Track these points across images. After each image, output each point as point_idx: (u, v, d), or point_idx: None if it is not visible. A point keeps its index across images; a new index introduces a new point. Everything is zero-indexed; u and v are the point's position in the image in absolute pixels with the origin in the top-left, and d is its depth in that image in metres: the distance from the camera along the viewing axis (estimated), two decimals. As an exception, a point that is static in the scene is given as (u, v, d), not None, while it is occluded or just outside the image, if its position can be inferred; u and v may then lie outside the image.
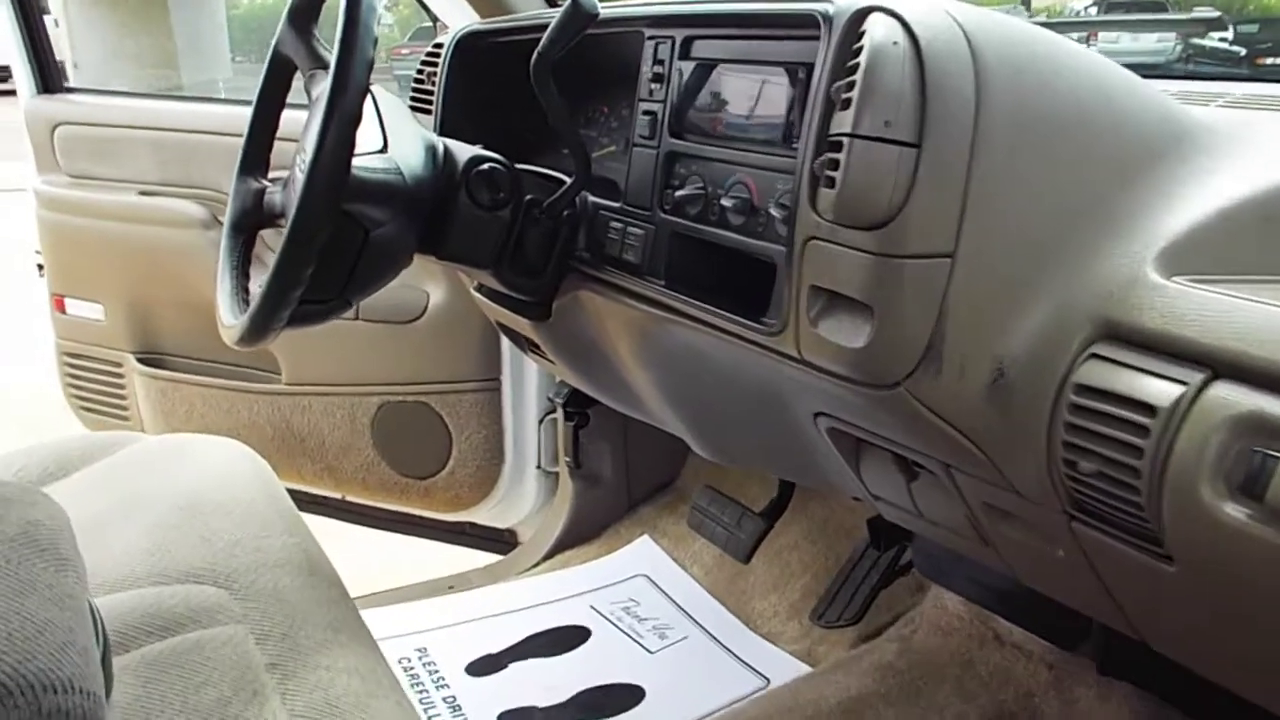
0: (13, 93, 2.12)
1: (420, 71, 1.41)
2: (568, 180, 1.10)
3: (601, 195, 1.10)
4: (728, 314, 0.88)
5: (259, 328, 0.99)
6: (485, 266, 1.08)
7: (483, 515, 1.94)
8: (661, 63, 0.99)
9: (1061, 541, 0.75)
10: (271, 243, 1.33)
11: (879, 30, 0.70)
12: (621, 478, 1.83)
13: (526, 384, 1.85)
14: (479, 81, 1.36)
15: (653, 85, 1.00)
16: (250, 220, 1.19)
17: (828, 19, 0.76)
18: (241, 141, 1.92)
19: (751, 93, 0.90)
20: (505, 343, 1.80)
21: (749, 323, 0.86)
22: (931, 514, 0.93)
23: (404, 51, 15.54)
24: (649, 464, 1.86)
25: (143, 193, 2.00)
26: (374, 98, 1.13)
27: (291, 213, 0.91)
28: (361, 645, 0.90)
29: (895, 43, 0.69)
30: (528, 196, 1.07)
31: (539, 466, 1.89)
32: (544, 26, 1.32)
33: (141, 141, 2.00)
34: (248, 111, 1.99)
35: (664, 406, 1.13)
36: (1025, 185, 0.71)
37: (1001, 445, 0.73)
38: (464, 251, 1.07)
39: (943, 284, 0.70)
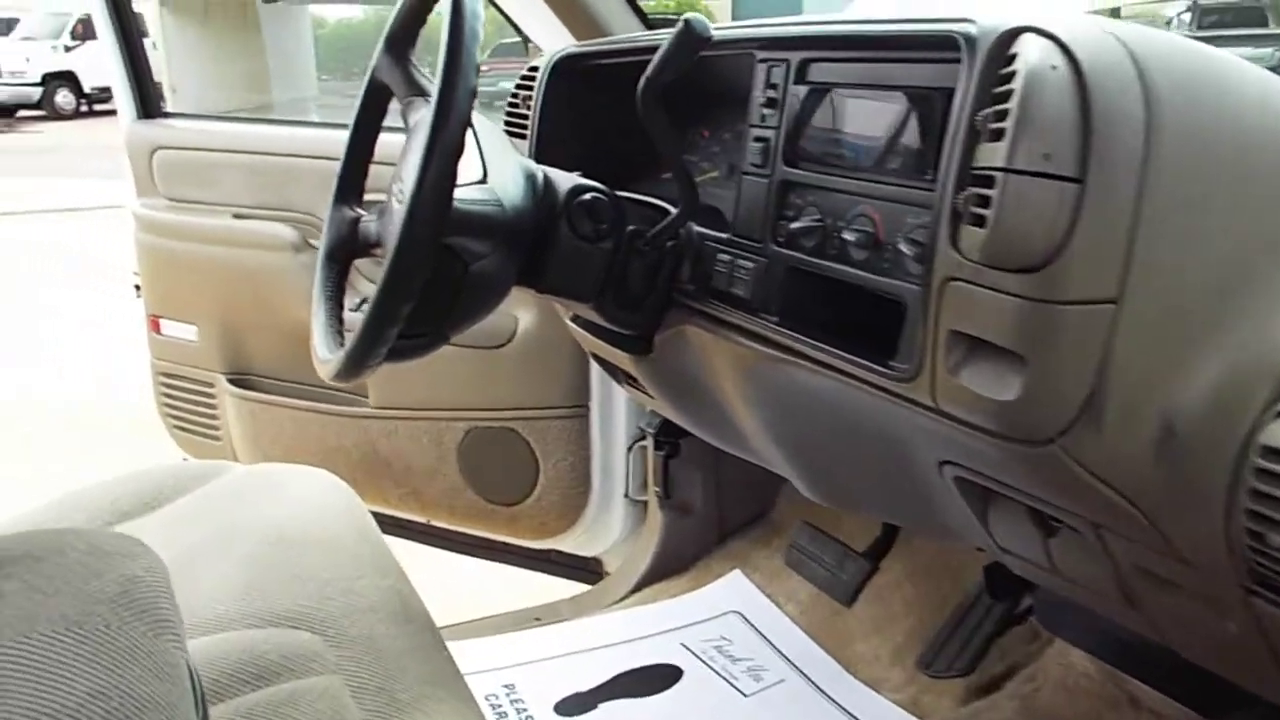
0: (110, 113, 2.16)
1: (514, 95, 1.38)
2: (672, 209, 1.06)
3: (705, 224, 1.06)
4: (850, 356, 0.83)
5: (356, 364, 0.96)
6: (586, 300, 1.04)
7: (568, 543, 1.90)
8: (775, 87, 0.94)
9: (1234, 616, 0.67)
10: (366, 271, 1.31)
11: (1033, 53, 0.64)
12: (712, 509, 1.77)
13: (615, 411, 1.81)
14: (576, 105, 1.33)
15: (765, 110, 0.95)
16: (345, 249, 1.17)
17: (970, 41, 0.70)
18: (334, 165, 1.95)
19: (876, 119, 0.84)
20: (595, 369, 1.77)
21: (875, 366, 0.80)
22: (1070, 572, 0.85)
23: (484, 68, 15.83)
24: (741, 495, 1.80)
25: (237, 216, 2.01)
26: (472, 125, 1.10)
27: (391, 247, 0.88)
28: (459, 700, 0.86)
29: (1054, 66, 0.62)
30: (630, 227, 1.03)
31: (626, 495, 1.84)
32: (646, 49, 1.28)
33: (237, 165, 2.02)
34: (341, 135, 2.01)
35: (770, 446, 1.07)
36: (1199, 220, 0.64)
37: (1168, 509, 0.66)
38: (565, 284, 1.03)
39: (1105, 332, 0.63)
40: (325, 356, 1.04)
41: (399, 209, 1.04)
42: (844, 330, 0.87)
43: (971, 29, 0.70)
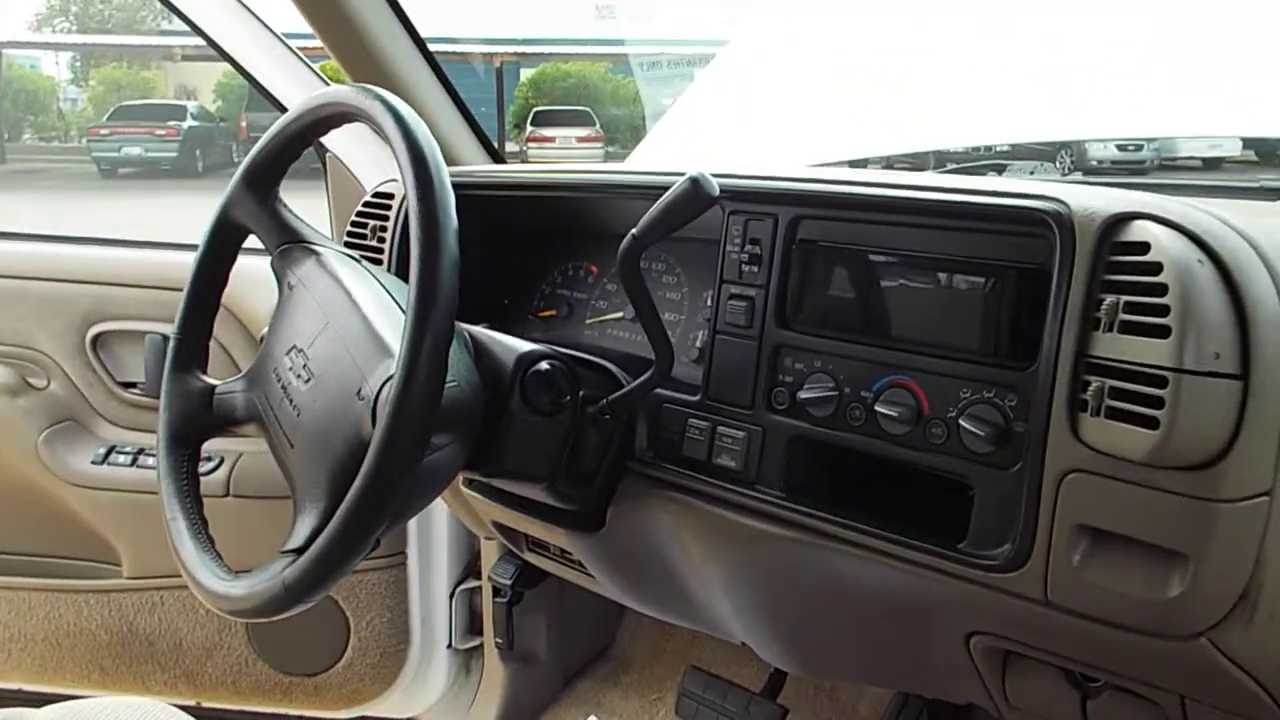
0: None
1: (360, 224, 1.20)
2: (611, 368, 0.95)
3: (628, 371, 0.96)
4: (901, 538, 0.77)
5: (296, 599, 0.76)
6: (541, 481, 0.89)
7: (382, 707, 1.67)
8: (757, 242, 0.87)
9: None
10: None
11: (1171, 245, 0.62)
12: (556, 653, 1.63)
13: (435, 556, 1.62)
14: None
15: (746, 267, 0.87)
16: (195, 428, 0.95)
17: (1064, 222, 0.67)
18: (55, 286, 1.61)
19: (902, 284, 0.80)
20: (414, 511, 1.57)
21: (941, 551, 0.74)
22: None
23: (103, 132, 14.35)
24: (582, 634, 1.67)
25: (-83, 352, 1.60)
26: (375, 276, 0.93)
27: (373, 457, 0.70)
28: None
29: (1200, 261, 0.61)
30: (580, 393, 0.91)
31: (450, 645, 1.66)
32: (513, 185, 1.17)
33: (-87, 287, 1.61)
34: (64, 250, 1.67)
35: (739, 619, 0.98)
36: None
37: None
38: (520, 466, 0.88)
39: (1262, 525, 0.62)
40: (222, 589, 0.81)
41: (304, 388, 0.85)
42: (862, 504, 0.81)
43: (1061, 209, 0.67)
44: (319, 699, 1.65)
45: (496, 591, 1.50)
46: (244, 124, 13.86)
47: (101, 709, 1.01)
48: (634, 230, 0.82)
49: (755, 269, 0.87)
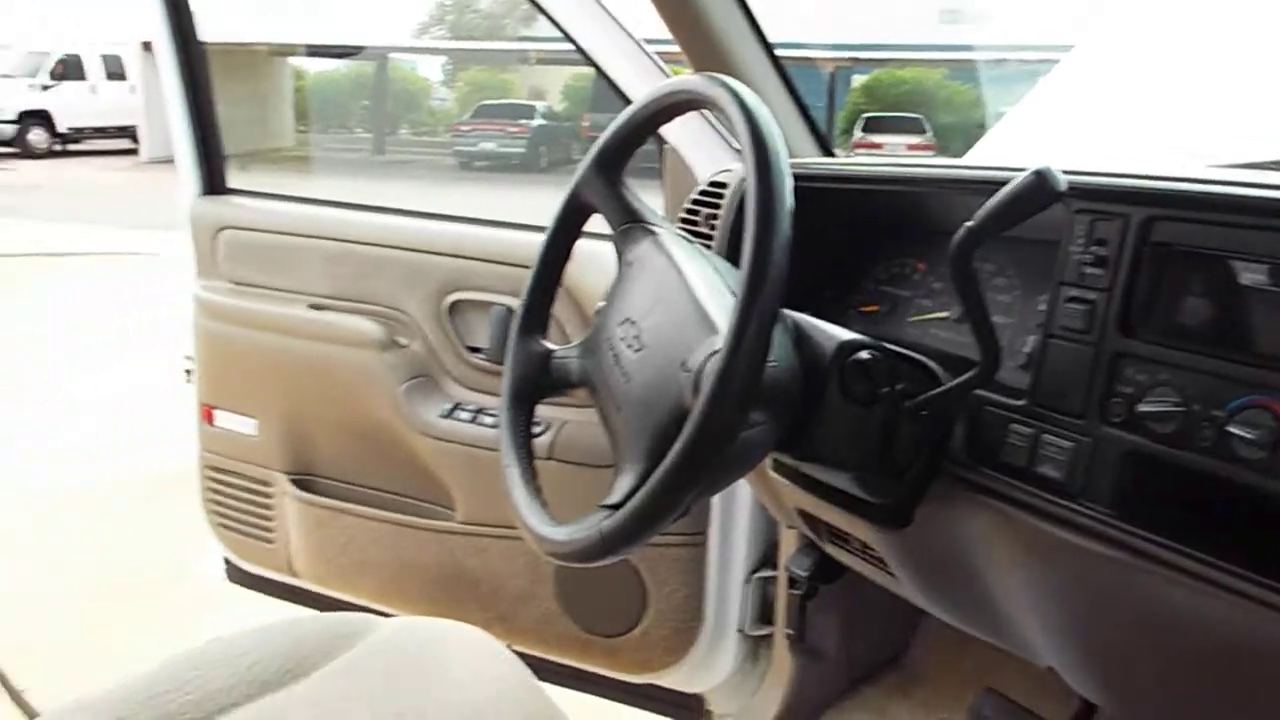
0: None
1: (693, 210, 1.26)
2: (931, 364, 0.93)
3: (949, 371, 0.93)
4: (1259, 578, 0.70)
5: (608, 548, 0.81)
6: (851, 470, 0.90)
7: (670, 678, 1.74)
8: (1103, 243, 0.82)
9: None
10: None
11: None
12: (845, 653, 1.62)
13: (735, 540, 1.66)
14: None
15: (1089, 269, 0.82)
16: (534, 387, 1.04)
17: None
18: (423, 258, 1.80)
19: (1273, 297, 0.72)
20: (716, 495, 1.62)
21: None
22: None
23: (464, 128, 15.86)
24: (873, 638, 1.65)
25: (313, 306, 1.86)
26: (704, 254, 0.97)
27: (693, 424, 0.74)
28: None
29: None
30: (898, 386, 0.90)
31: (740, 630, 1.69)
32: (845, 178, 1.17)
33: (313, 251, 1.87)
34: (431, 225, 1.87)
35: (1051, 641, 0.93)
36: None
37: None
38: (830, 452, 0.89)
39: None
40: (547, 533, 0.89)
41: (634, 357, 0.91)
42: (1203, 532, 0.75)
43: None
44: (613, 660, 1.74)
45: (792, 583, 1.52)
46: (586, 124, 14.76)
47: (441, 628, 1.14)
48: (969, 222, 0.80)
49: (1099, 271, 0.82)
